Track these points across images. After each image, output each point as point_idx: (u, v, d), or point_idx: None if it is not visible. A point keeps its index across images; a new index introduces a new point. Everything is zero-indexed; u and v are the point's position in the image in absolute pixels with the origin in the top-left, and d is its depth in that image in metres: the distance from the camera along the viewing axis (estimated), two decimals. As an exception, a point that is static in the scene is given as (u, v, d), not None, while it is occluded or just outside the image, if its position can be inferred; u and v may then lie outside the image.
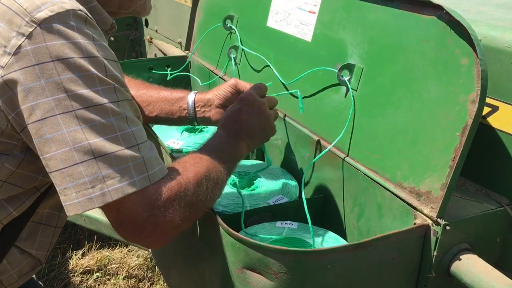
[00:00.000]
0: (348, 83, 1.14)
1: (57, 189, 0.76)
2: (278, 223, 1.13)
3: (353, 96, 1.13)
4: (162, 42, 2.40)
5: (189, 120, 1.27)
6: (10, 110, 0.77)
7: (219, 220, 0.92)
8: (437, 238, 0.91)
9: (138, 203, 0.79)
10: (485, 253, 0.96)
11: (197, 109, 1.25)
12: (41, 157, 0.76)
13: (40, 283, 1.28)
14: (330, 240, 1.09)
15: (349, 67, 1.15)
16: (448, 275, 0.94)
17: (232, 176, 1.31)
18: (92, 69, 0.77)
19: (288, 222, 1.14)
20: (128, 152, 0.78)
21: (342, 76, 1.16)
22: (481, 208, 0.97)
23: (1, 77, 0.75)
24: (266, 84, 1.25)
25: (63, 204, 0.76)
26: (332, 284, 0.87)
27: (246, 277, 0.89)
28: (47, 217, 0.98)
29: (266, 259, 0.85)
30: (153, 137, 1.30)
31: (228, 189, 1.27)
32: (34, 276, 1.25)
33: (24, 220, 0.93)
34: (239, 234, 0.88)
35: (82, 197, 0.75)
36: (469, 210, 0.96)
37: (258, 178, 1.33)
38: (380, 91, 1.07)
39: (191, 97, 1.26)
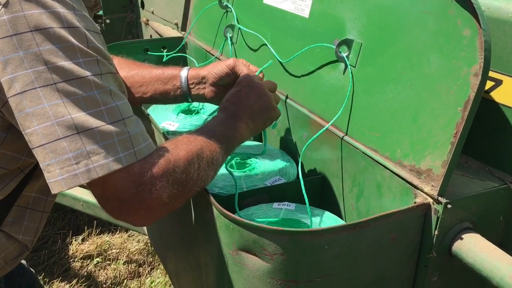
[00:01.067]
0: (346, 59, 1.10)
1: (40, 166, 0.73)
2: (275, 204, 1.10)
3: (351, 72, 1.09)
4: (159, 24, 2.35)
5: (183, 98, 1.23)
6: None
7: (213, 200, 0.90)
8: (438, 217, 0.88)
9: (123, 179, 0.76)
10: (488, 232, 0.93)
11: (191, 86, 1.21)
12: (23, 133, 0.73)
13: (32, 269, 1.26)
14: (328, 221, 1.06)
15: (348, 43, 1.11)
16: (450, 255, 0.91)
17: (230, 157, 1.28)
18: (73, 40, 0.74)
19: (286, 203, 1.11)
20: (112, 127, 0.75)
21: (340, 52, 1.12)
22: (483, 186, 0.94)
23: None
24: (267, 64, 1.22)
25: (47, 181, 0.73)
26: (329, 265, 0.84)
27: (241, 259, 0.87)
28: (33, 202, 0.95)
29: (261, 240, 0.82)
30: (146, 118, 1.27)
31: (224, 170, 1.24)
32: (25, 262, 1.23)
33: (9, 203, 0.90)
34: (233, 215, 0.85)
35: (67, 174, 0.72)
36: (471, 188, 0.93)
37: (255, 159, 1.30)
38: (379, 66, 1.03)
39: (184, 74, 1.22)
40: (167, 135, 1.32)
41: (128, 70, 1.25)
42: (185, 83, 1.22)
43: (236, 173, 1.23)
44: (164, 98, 1.24)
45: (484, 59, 0.81)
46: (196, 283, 1.14)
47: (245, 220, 0.83)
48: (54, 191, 0.74)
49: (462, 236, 0.89)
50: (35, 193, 0.95)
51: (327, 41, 1.17)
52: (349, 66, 1.10)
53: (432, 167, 0.90)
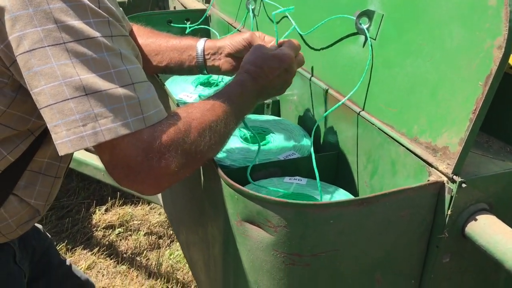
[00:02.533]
0: (366, 31, 1.06)
1: (48, 126, 0.73)
2: (287, 179, 1.09)
3: (371, 45, 1.05)
4: (185, -4, 2.33)
5: (199, 69, 1.21)
6: None
7: (220, 171, 0.88)
8: (451, 196, 0.84)
9: (132, 146, 0.76)
10: (507, 215, 0.89)
11: (206, 57, 1.19)
12: (31, 92, 0.73)
13: (48, 234, 1.28)
14: (339, 197, 1.04)
15: (368, 14, 1.06)
16: (463, 236, 0.87)
17: (243, 131, 1.27)
18: None
19: (297, 177, 1.09)
20: (122, 91, 0.74)
21: (361, 24, 1.07)
22: (503, 166, 0.89)
23: None
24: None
25: (54, 143, 0.73)
26: (334, 240, 0.82)
27: (246, 230, 0.86)
28: (46, 167, 0.96)
29: (265, 211, 0.81)
30: (160, 87, 1.26)
31: (238, 143, 1.22)
32: (41, 227, 1.25)
33: (22, 168, 0.91)
34: (238, 185, 0.83)
35: (73, 136, 0.72)
36: (489, 168, 0.89)
37: (271, 134, 1.28)
38: (399, 39, 0.99)
39: (200, 44, 1.20)
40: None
41: (146, 38, 1.24)
42: (201, 53, 1.20)
43: (250, 147, 1.21)
44: (179, 68, 1.22)
45: (509, 31, 0.76)
46: (204, 254, 1.14)
47: (250, 191, 0.82)
48: (61, 152, 0.73)
49: (477, 217, 0.85)
50: (48, 158, 0.95)
51: (349, 12, 1.12)
52: (369, 38, 1.05)
53: (449, 145, 0.86)
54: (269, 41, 1.15)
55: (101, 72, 0.73)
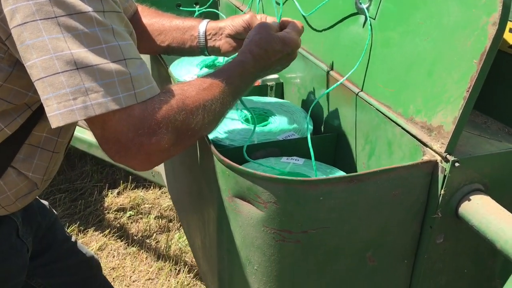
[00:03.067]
0: (366, 11, 1.05)
1: (41, 99, 0.74)
2: (284, 158, 1.09)
3: (370, 25, 1.04)
4: (196, -19, 2.33)
5: (200, 49, 1.22)
6: None
7: (212, 147, 0.89)
8: (444, 176, 0.83)
9: (123, 121, 0.76)
10: (503, 197, 0.87)
11: (208, 38, 1.19)
12: (25, 65, 0.74)
13: (54, 211, 1.31)
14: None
15: (368, -7, 1.05)
16: (457, 216, 0.86)
17: (245, 112, 1.27)
18: None
19: (294, 157, 1.09)
20: (113, 66, 0.75)
21: (361, 4, 1.06)
22: (499, 147, 0.88)
23: None
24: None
25: (47, 115, 0.74)
26: (324, 217, 0.82)
27: (237, 206, 0.86)
28: (44, 141, 0.97)
29: (255, 187, 0.81)
30: (163, 66, 1.27)
31: (238, 124, 1.23)
32: (46, 203, 1.28)
33: (20, 141, 0.93)
34: (229, 161, 0.84)
35: (64, 109, 0.73)
36: (485, 148, 0.87)
37: (272, 115, 1.28)
38: (398, 18, 0.97)
39: (202, 25, 1.20)
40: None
41: (150, 18, 1.25)
42: (202, 34, 1.20)
43: (251, 127, 1.21)
44: (181, 48, 1.23)
45: (503, 7, 0.74)
46: (201, 233, 1.15)
47: (240, 167, 0.82)
48: (52, 125, 0.75)
49: (470, 197, 0.84)
50: (46, 133, 0.97)
51: (350, -8, 1.12)
52: (368, 18, 1.04)
53: (444, 124, 0.85)
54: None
55: (93, 47, 0.74)
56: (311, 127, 1.20)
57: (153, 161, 0.83)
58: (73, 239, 1.35)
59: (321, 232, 0.84)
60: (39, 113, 0.92)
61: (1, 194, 0.95)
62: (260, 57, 0.99)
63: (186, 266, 2.26)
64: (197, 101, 0.86)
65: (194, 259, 2.30)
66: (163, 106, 0.80)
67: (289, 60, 1.07)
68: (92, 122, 0.77)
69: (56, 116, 0.73)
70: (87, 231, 2.46)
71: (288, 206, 0.81)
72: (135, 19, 1.26)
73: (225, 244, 0.95)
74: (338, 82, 1.08)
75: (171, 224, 2.54)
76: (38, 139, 0.96)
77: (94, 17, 0.74)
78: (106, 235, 2.43)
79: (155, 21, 1.24)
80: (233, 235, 0.91)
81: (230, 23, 1.19)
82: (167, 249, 2.36)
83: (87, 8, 0.74)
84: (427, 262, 0.93)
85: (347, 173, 1.08)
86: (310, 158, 1.07)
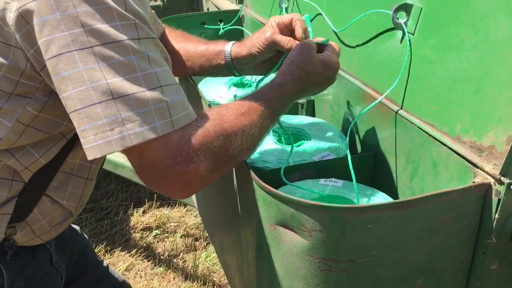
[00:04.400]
0: (404, 26, 1.01)
1: (77, 131, 0.73)
2: (322, 181, 1.05)
3: (409, 40, 1.00)
4: (218, -2, 2.32)
5: (231, 73, 1.20)
6: (29, 46, 0.74)
7: (252, 173, 0.86)
8: (499, 199, 0.79)
9: (160, 150, 0.74)
10: (561, 220, 0.82)
11: (234, 62, 1.17)
12: (60, 97, 0.73)
13: (85, 235, 1.29)
14: (378, 200, 0.99)
15: (406, 8, 1.02)
16: (512, 241, 0.82)
17: (277, 132, 1.24)
18: (110, 2, 0.72)
19: (333, 179, 1.05)
20: (149, 94, 0.73)
21: (398, 19, 1.03)
22: (556, 167, 0.83)
23: (17, 9, 0.71)
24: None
25: (83, 147, 0.73)
26: (372, 245, 0.78)
27: (279, 234, 0.83)
28: (78, 168, 0.96)
29: (299, 215, 0.78)
30: (192, 86, 1.25)
31: (271, 144, 1.20)
32: (78, 228, 1.27)
33: (54, 168, 0.92)
34: (271, 188, 0.81)
35: (101, 140, 0.71)
36: (541, 168, 0.82)
37: (305, 134, 1.25)
38: (440, 33, 0.94)
39: (227, 50, 1.16)
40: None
41: (176, 42, 1.23)
42: (229, 59, 1.17)
43: (284, 148, 1.18)
44: (211, 73, 1.22)
45: (561, 20, 0.70)
46: (237, 258, 1.12)
47: (283, 194, 0.79)
48: (89, 157, 0.73)
49: (527, 221, 0.79)
50: (80, 160, 0.96)
51: (385, 7, 1.08)
52: (407, 33, 1.01)
53: (495, 144, 0.80)
54: (287, 20, 1.09)
55: (128, 76, 0.72)
56: (345, 147, 1.17)
57: (191, 189, 0.80)
58: (104, 263, 1.33)
59: (369, 260, 0.80)
60: (74, 140, 0.91)
61: (36, 223, 0.94)
62: (300, 78, 0.96)
63: (215, 286, 2.23)
64: (235, 126, 0.83)
65: (221, 279, 2.26)
66: (201, 132, 0.78)
67: (328, 84, 1.03)
68: (129, 152, 0.75)
69: (93, 148, 0.71)
70: (114, 251, 2.45)
71: (334, 235, 0.77)
72: (163, 41, 1.24)
73: (266, 273, 0.91)
74: (378, 100, 1.04)
75: (197, 243, 2.51)
76: (72, 166, 0.95)
77: (130, 45, 0.73)
78: (133, 255, 2.42)
79: (181, 45, 1.23)
80: (275, 264, 0.87)
81: (252, 51, 1.12)
82: (194, 269, 2.33)
83: (122, 36, 0.72)
84: (480, 289, 0.88)
85: (387, 194, 1.04)
86: (348, 179, 1.04)
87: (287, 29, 1.10)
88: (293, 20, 1.09)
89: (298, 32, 1.07)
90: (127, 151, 0.75)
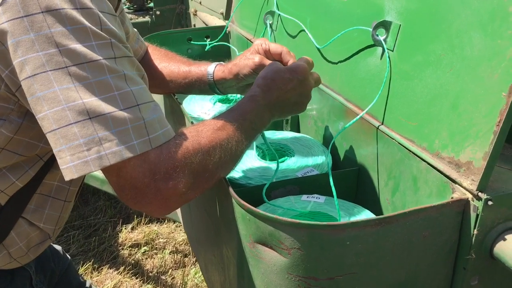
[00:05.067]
0: (383, 43, 1.02)
1: (53, 151, 0.72)
2: (304, 197, 1.05)
3: (389, 57, 1.01)
4: (206, 14, 2.34)
5: (214, 93, 1.21)
6: (4, 67, 0.74)
7: (231, 190, 0.85)
8: (477, 215, 0.79)
9: (138, 168, 0.74)
10: (540, 234, 0.83)
11: (217, 85, 1.18)
12: (36, 117, 0.72)
13: (67, 255, 1.28)
14: (360, 216, 0.99)
15: (385, 25, 1.03)
16: (491, 257, 0.82)
17: (260, 148, 1.24)
18: (85, 22, 0.71)
19: (315, 195, 1.05)
20: (126, 113, 0.73)
21: (378, 36, 1.04)
22: (533, 182, 0.83)
23: None
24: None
25: (60, 167, 0.72)
26: (352, 262, 0.78)
27: (259, 252, 0.82)
28: (56, 190, 0.95)
29: (278, 233, 0.77)
30: (175, 103, 1.25)
31: (255, 161, 1.20)
32: (60, 249, 1.25)
33: (31, 190, 0.91)
34: (249, 205, 0.80)
35: (77, 160, 0.70)
36: (518, 183, 0.83)
37: (289, 150, 1.25)
38: (418, 49, 0.95)
39: (210, 72, 1.17)
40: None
41: (159, 61, 1.24)
42: (211, 80, 1.18)
43: (267, 164, 1.18)
44: (194, 93, 1.23)
45: (532, 37, 0.71)
46: (220, 276, 1.11)
47: (261, 211, 0.78)
48: (66, 177, 0.72)
49: (506, 236, 0.79)
50: (58, 181, 0.95)
51: (365, 24, 1.09)
52: (386, 50, 1.02)
53: (473, 159, 0.81)
54: (275, 52, 1.10)
55: (105, 95, 0.72)
56: (330, 162, 1.17)
57: (170, 206, 0.80)
58: (87, 284, 1.32)
59: (348, 278, 0.79)
60: (51, 162, 0.90)
61: (13, 246, 0.92)
62: (267, 87, 0.96)
63: (203, 303, 2.20)
64: (213, 141, 0.83)
65: (211, 296, 2.24)
66: (179, 149, 0.78)
67: (305, 88, 1.01)
68: (107, 171, 0.75)
69: (69, 169, 0.71)
70: (102, 269, 2.42)
71: (313, 252, 0.77)
72: (145, 59, 1.25)
73: (247, 291, 0.90)
74: (359, 116, 1.05)
75: (186, 259, 2.49)
76: (49, 188, 0.94)
77: (105, 64, 0.73)
78: (121, 273, 2.39)
79: (164, 66, 1.23)
80: (255, 282, 0.87)
81: (240, 75, 1.14)
82: (183, 286, 2.30)
83: (97, 56, 0.72)
84: (461, 305, 0.87)
85: (370, 210, 1.04)
86: (331, 195, 1.03)
87: (273, 59, 1.12)
88: (283, 54, 1.10)
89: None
90: (105, 170, 0.75)
